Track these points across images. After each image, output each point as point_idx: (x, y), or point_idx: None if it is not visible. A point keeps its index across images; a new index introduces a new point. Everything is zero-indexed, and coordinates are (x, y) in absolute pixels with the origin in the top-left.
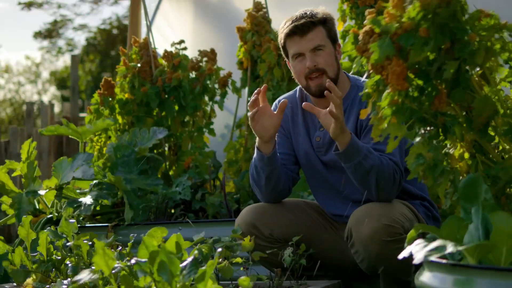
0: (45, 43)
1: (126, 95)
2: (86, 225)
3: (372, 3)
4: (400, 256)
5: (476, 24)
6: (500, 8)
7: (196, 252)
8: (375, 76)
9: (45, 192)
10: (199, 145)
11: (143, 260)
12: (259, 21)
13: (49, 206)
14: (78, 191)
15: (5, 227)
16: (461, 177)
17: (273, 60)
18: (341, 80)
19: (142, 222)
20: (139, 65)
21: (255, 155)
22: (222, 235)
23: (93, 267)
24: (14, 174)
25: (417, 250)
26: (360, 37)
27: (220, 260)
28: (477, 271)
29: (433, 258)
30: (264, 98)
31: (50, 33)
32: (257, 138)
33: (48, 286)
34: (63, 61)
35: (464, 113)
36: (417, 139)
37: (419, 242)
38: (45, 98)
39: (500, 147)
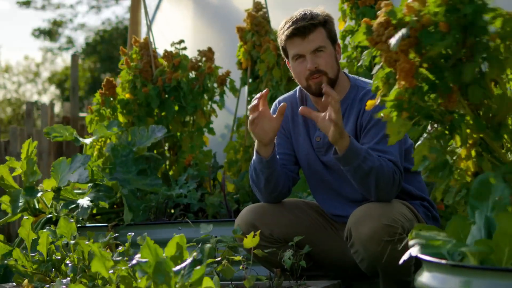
0: (46, 43)
1: (127, 95)
2: (86, 225)
3: (372, 3)
4: (401, 261)
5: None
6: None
7: (195, 253)
8: (385, 69)
9: (43, 193)
10: (198, 143)
11: (144, 260)
12: (259, 21)
13: (49, 206)
14: (77, 191)
15: (5, 226)
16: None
17: (273, 60)
18: (341, 80)
19: (142, 222)
20: (140, 65)
21: (254, 157)
22: (222, 235)
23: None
24: (14, 174)
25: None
26: (374, 28)
27: (220, 259)
28: (477, 272)
29: (433, 258)
30: (264, 102)
31: (50, 33)
32: (256, 141)
33: (47, 286)
34: (62, 60)
35: (473, 111)
36: (423, 137)
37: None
38: (45, 98)
39: (505, 147)
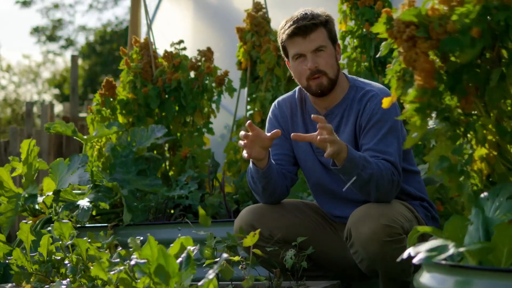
0: (44, 42)
1: (129, 95)
2: (86, 225)
3: (371, 4)
4: (399, 258)
5: None
6: None
7: (191, 248)
8: (401, 64)
9: (43, 198)
10: (197, 143)
11: (142, 261)
12: (258, 22)
13: (48, 207)
14: (77, 191)
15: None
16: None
17: (273, 61)
18: (340, 81)
19: (142, 222)
20: (140, 65)
21: (251, 165)
22: (221, 235)
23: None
24: (14, 174)
25: (417, 250)
26: (395, 23)
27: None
28: (476, 272)
29: (435, 259)
30: (253, 128)
31: (51, 35)
32: None
33: (47, 286)
34: (63, 61)
35: (490, 114)
36: (440, 139)
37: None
38: (45, 98)
39: None
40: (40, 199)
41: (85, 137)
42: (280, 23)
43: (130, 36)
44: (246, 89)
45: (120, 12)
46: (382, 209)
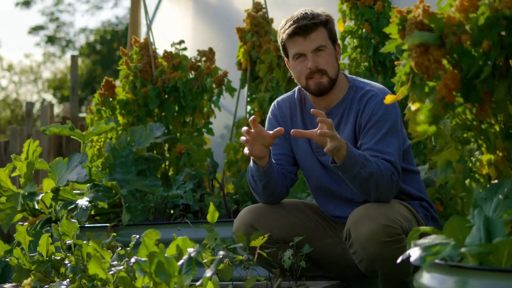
0: (46, 42)
1: (128, 95)
2: (86, 225)
3: (371, 4)
4: (399, 260)
5: None
6: None
7: (191, 249)
8: (409, 65)
9: (42, 195)
10: (197, 142)
11: (143, 259)
12: (258, 22)
13: (48, 207)
14: (76, 191)
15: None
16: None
17: (273, 61)
18: (340, 81)
19: (141, 222)
20: (140, 65)
21: (251, 164)
22: (221, 235)
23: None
24: (13, 174)
25: (416, 250)
26: (407, 25)
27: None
28: (476, 273)
29: (435, 260)
30: (255, 125)
31: (52, 37)
32: None
33: (47, 286)
34: (63, 61)
35: (498, 121)
36: (450, 143)
37: (420, 243)
38: (45, 98)
39: None
40: (39, 196)
41: (82, 133)
42: (280, 23)
43: (130, 36)
44: (246, 89)
45: (120, 12)
46: (381, 209)
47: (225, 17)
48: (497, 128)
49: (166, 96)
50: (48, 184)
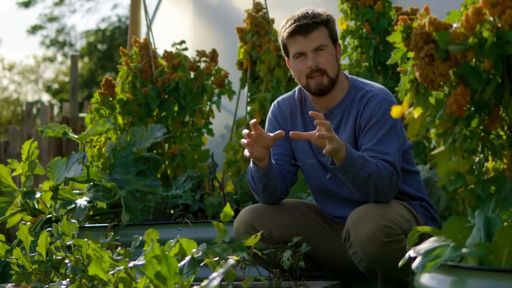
0: (48, 46)
1: (128, 95)
2: (85, 225)
3: (372, 3)
4: (401, 263)
5: None
6: None
7: (194, 251)
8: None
9: (41, 194)
10: (194, 142)
11: (140, 263)
12: (258, 22)
13: (48, 207)
14: (76, 191)
15: (4, 226)
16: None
17: (273, 61)
18: (340, 81)
19: (141, 222)
20: (140, 65)
21: (251, 165)
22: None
23: None
24: (14, 174)
25: (417, 252)
26: (413, 36)
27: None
28: (476, 273)
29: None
30: (256, 127)
31: (53, 40)
32: None
33: (47, 286)
34: (63, 62)
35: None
36: (457, 152)
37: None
38: (45, 98)
39: None
40: (38, 195)
41: (75, 136)
42: (281, 23)
43: (130, 36)
44: (246, 89)
45: (120, 12)
46: (380, 210)
47: (225, 17)
48: (505, 137)
49: (166, 96)
50: (47, 184)
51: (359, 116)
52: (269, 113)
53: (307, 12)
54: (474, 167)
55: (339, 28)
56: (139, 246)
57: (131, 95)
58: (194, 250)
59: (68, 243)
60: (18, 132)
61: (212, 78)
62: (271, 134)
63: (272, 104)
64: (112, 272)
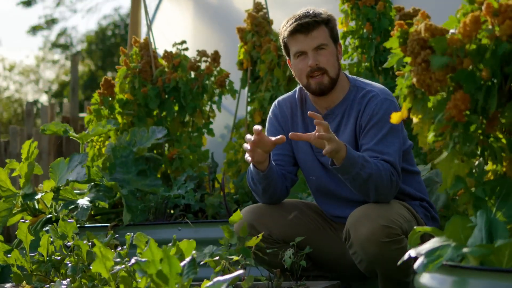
0: (50, 49)
1: (127, 95)
2: (86, 225)
3: (372, 4)
4: (400, 261)
5: None
6: None
7: (194, 252)
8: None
9: (41, 195)
10: (194, 143)
11: (143, 260)
12: (259, 22)
13: (48, 207)
14: (77, 191)
15: (4, 227)
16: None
17: (274, 61)
18: (341, 81)
19: (141, 222)
20: (139, 65)
21: (251, 167)
22: (221, 236)
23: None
24: (14, 174)
25: (418, 252)
26: (409, 42)
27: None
28: (477, 273)
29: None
30: (259, 133)
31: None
32: None
33: (47, 286)
34: (64, 61)
35: (505, 134)
36: (455, 160)
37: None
38: (45, 98)
39: None
40: (38, 196)
41: (76, 136)
42: (281, 24)
43: (130, 36)
44: (246, 89)
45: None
46: (380, 210)
47: (225, 17)
48: (504, 141)
49: (166, 96)
50: (48, 186)
51: (359, 116)
52: (270, 113)
53: (308, 12)
54: (474, 170)
55: (340, 28)
56: (133, 247)
57: (131, 95)
58: (194, 251)
59: (68, 243)
60: (18, 132)
61: (213, 78)
62: (272, 139)
63: (273, 103)
64: (112, 272)
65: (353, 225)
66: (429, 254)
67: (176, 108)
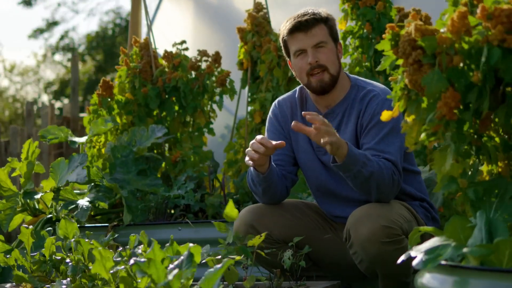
0: (53, 53)
1: (127, 95)
2: (86, 225)
3: (373, 4)
4: (399, 260)
5: None
6: None
7: (191, 248)
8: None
9: (42, 194)
10: (196, 143)
11: (142, 260)
12: (259, 22)
13: (49, 206)
14: (77, 191)
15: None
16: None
17: (274, 61)
18: (342, 80)
19: (142, 222)
20: (139, 64)
21: (251, 168)
22: (221, 235)
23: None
24: (14, 174)
25: (418, 252)
26: (400, 43)
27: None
28: (477, 273)
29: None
30: (263, 141)
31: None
32: None
33: (47, 286)
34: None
35: (499, 133)
36: (449, 160)
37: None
38: (45, 98)
39: None
40: (38, 195)
41: (80, 139)
42: (281, 24)
43: (130, 36)
44: (247, 89)
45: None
46: (381, 210)
47: (225, 17)
48: (498, 140)
49: (167, 96)
50: (48, 184)
51: (361, 115)
52: (270, 113)
53: (307, 11)
54: (468, 171)
55: (339, 28)
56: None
57: (131, 95)
58: (191, 245)
59: (72, 241)
60: (19, 132)
61: (213, 78)
62: (273, 142)
63: (273, 103)
64: (112, 271)
65: (353, 225)
66: (428, 252)
67: (177, 108)
